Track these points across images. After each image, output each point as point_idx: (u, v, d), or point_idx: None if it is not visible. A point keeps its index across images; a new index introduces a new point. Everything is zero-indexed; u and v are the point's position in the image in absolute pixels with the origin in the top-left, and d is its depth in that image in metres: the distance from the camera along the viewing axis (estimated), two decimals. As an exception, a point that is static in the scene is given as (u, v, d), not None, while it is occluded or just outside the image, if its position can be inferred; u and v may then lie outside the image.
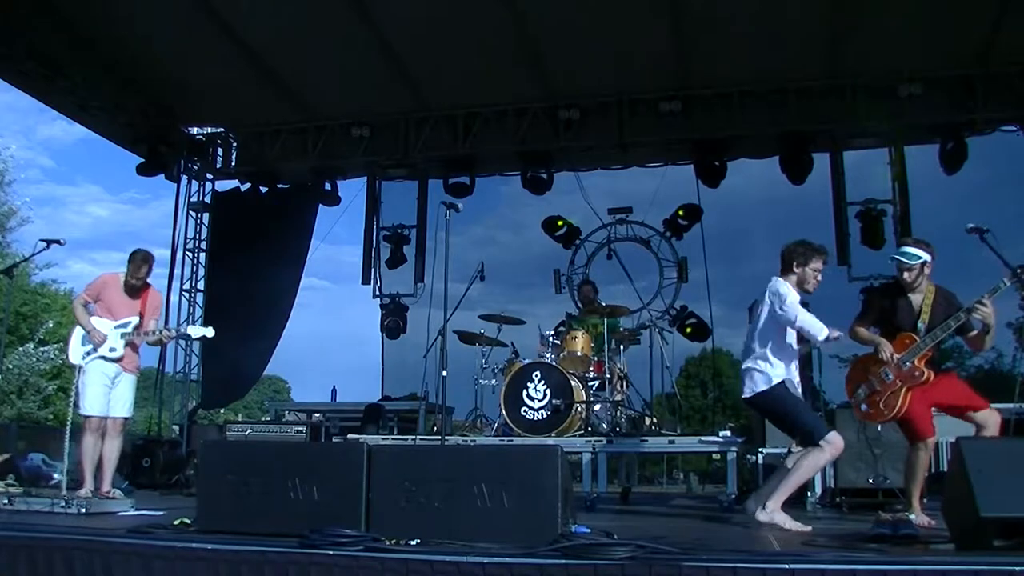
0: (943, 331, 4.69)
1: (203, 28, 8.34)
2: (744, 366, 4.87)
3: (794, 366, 4.81)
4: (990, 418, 4.71)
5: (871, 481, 6.04)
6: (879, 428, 5.86)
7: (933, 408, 4.89)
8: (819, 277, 4.79)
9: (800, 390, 4.89)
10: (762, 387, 4.72)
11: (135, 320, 5.79)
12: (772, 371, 4.71)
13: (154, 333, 5.86)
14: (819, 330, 4.59)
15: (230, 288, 10.53)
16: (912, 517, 4.48)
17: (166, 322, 10.24)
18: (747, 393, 4.83)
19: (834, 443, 4.60)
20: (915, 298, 4.87)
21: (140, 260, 5.82)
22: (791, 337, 4.75)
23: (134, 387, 5.88)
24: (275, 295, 10.58)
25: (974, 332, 4.77)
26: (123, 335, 5.73)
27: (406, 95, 9.62)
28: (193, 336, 6.54)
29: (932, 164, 9.06)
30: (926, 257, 4.81)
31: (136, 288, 5.86)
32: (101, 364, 5.69)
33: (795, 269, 4.77)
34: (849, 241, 9.38)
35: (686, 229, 10.00)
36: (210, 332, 6.74)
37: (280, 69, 9.28)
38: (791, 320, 4.61)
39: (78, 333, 5.78)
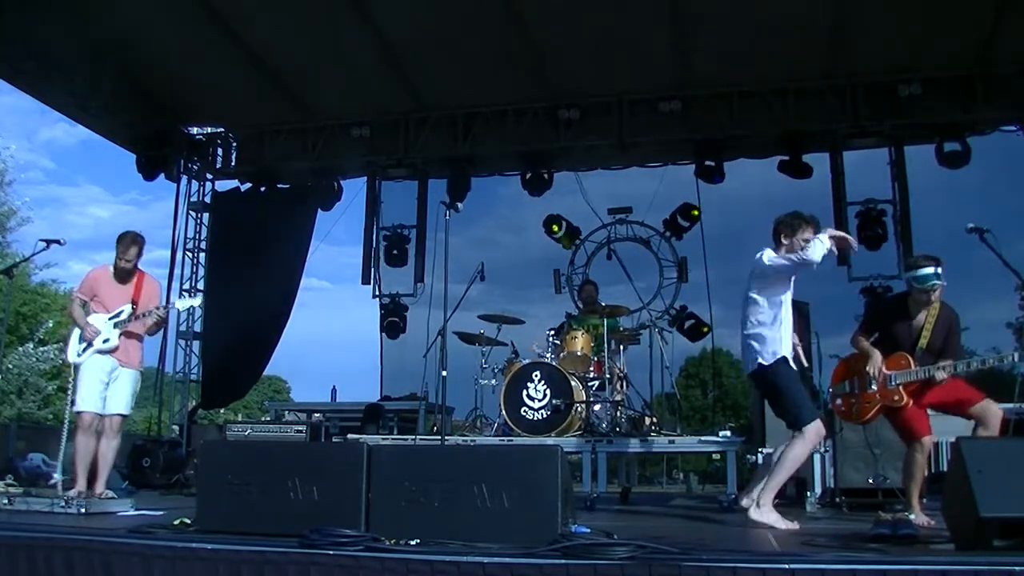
0: (925, 373, 4.77)
1: (203, 28, 8.35)
2: (743, 343, 4.86)
3: (790, 340, 4.77)
4: (988, 409, 4.72)
5: (871, 481, 6.04)
6: (877, 428, 5.87)
7: (931, 409, 4.92)
8: (802, 243, 4.74)
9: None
10: (762, 361, 4.71)
11: (128, 308, 5.59)
12: (771, 346, 4.70)
13: (151, 314, 5.61)
14: (819, 249, 4.50)
15: (230, 288, 10.53)
16: (912, 517, 4.50)
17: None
18: (749, 368, 4.82)
19: (814, 431, 4.62)
20: (918, 318, 4.89)
21: (129, 241, 5.59)
22: (784, 311, 4.75)
23: (134, 383, 5.66)
24: (275, 295, 10.58)
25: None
26: (116, 324, 5.55)
27: (406, 95, 9.62)
28: (180, 308, 6.33)
29: (932, 164, 9.07)
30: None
31: (127, 272, 5.65)
32: (97, 359, 5.53)
33: (784, 240, 4.80)
34: (849, 241, 9.37)
35: (686, 229, 10.01)
36: (196, 301, 6.66)
37: (280, 69, 9.28)
38: (792, 263, 4.60)
39: (76, 333, 5.65)
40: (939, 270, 4.77)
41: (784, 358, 4.71)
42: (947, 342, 4.85)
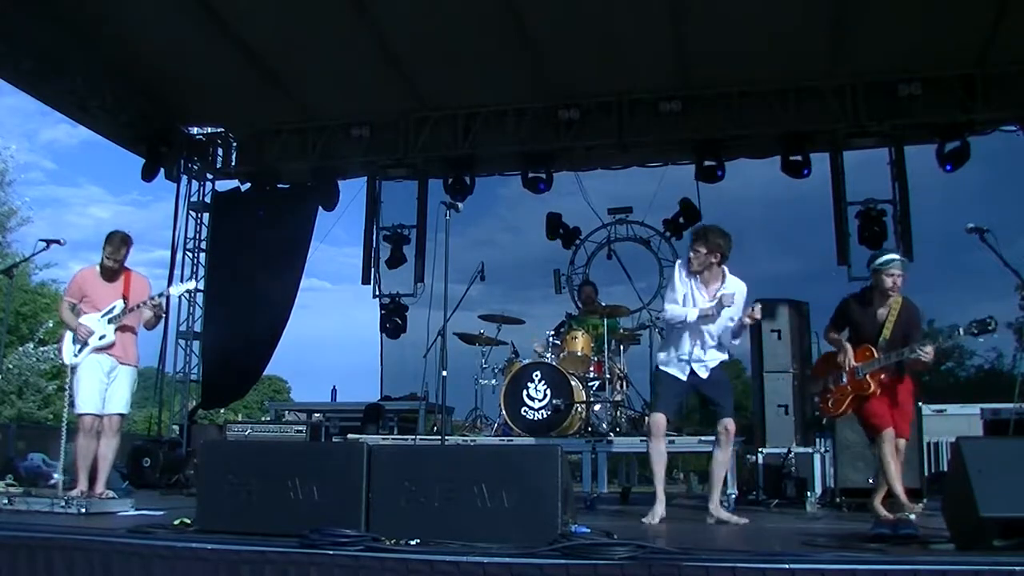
0: (897, 356, 4.95)
1: (203, 28, 8.34)
2: None
3: (674, 349, 5.07)
4: (899, 447, 5.06)
5: (871, 481, 6.03)
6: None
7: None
8: (691, 255, 5.01)
9: (687, 368, 5.05)
10: None
11: (120, 304, 5.57)
12: (660, 354, 5.22)
13: (146, 304, 5.56)
14: (682, 314, 4.95)
15: (230, 288, 10.53)
16: (910, 516, 4.69)
17: (165, 320, 10.26)
18: None
19: (649, 423, 5.16)
20: (881, 312, 5.10)
21: (119, 241, 5.60)
22: (668, 326, 5.17)
23: (132, 381, 5.66)
24: (275, 295, 10.57)
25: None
26: (111, 320, 5.54)
27: (406, 95, 9.62)
28: (175, 294, 6.24)
29: (932, 164, 9.06)
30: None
31: (114, 271, 5.64)
32: (95, 358, 5.51)
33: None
34: (849, 241, 9.38)
35: (685, 229, 10.01)
36: (191, 284, 6.62)
37: (280, 69, 9.28)
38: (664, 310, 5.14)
39: (68, 336, 5.62)
40: (901, 258, 5.10)
41: (658, 366, 5.22)
42: (908, 335, 4.99)
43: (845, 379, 5.14)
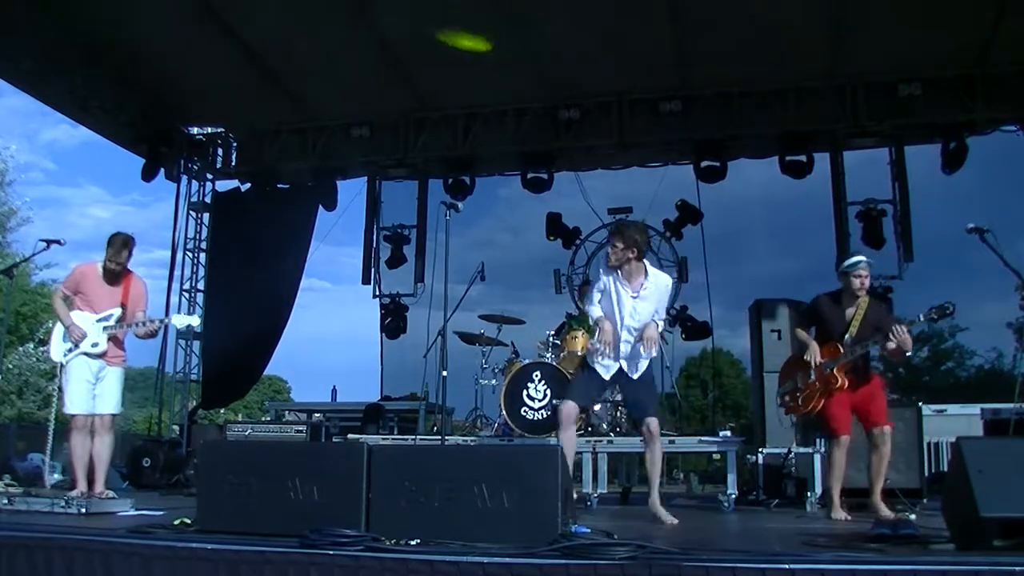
0: (862, 348, 5.14)
1: (203, 28, 8.35)
2: None
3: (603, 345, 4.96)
4: (886, 436, 5.17)
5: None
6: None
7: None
8: (609, 251, 5.05)
9: (613, 367, 5.02)
10: None
11: (117, 312, 5.52)
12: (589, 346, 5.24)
13: (142, 324, 5.53)
14: (592, 312, 5.08)
15: (230, 288, 10.53)
16: (834, 515, 5.04)
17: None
18: None
19: (559, 412, 5.09)
20: (849, 311, 5.24)
21: (120, 244, 5.50)
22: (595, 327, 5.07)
23: (121, 380, 5.62)
24: (275, 295, 10.58)
25: (893, 347, 5.04)
26: (105, 328, 5.47)
27: (406, 95, 9.62)
28: (178, 326, 6.20)
29: (932, 164, 9.07)
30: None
31: (116, 274, 5.56)
32: (84, 360, 5.45)
33: None
34: (849, 241, 9.38)
35: (683, 227, 9.99)
36: (195, 320, 6.61)
37: (280, 69, 9.28)
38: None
39: (59, 329, 5.55)
40: (867, 259, 5.25)
41: (584, 356, 5.33)
42: (880, 328, 5.10)
43: (813, 376, 5.23)
